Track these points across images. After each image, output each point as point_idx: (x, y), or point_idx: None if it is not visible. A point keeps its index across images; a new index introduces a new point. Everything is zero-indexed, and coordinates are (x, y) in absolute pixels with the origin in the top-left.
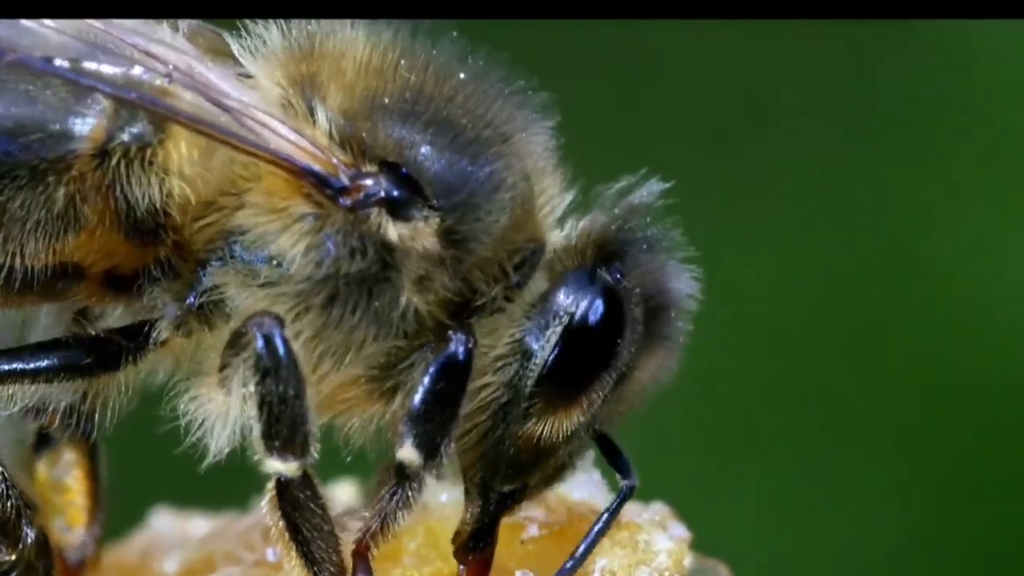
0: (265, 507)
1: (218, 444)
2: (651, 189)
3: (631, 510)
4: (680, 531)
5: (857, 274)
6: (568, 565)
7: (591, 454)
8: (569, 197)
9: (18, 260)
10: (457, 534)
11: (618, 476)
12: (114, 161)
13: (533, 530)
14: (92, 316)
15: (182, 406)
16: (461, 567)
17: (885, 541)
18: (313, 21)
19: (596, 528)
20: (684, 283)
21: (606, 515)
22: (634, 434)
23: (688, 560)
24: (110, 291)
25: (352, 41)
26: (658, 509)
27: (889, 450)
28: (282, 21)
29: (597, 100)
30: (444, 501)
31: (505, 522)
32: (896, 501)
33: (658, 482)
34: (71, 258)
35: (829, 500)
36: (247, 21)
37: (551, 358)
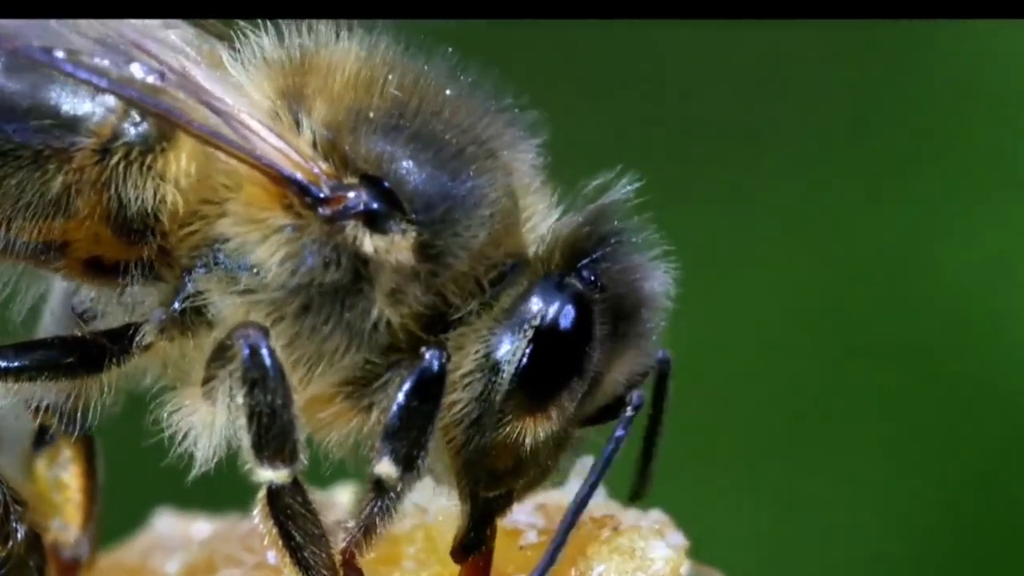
0: (257, 514)
1: (204, 455)
2: (624, 187)
3: (629, 517)
4: (678, 539)
5: (856, 276)
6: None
7: (588, 458)
8: (556, 214)
9: (2, 230)
10: (455, 537)
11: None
12: (114, 160)
13: (532, 536)
14: (90, 318)
15: (165, 417)
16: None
17: (884, 550)
18: (304, 33)
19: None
20: (657, 281)
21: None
22: (631, 442)
23: (685, 568)
24: (90, 273)
25: (342, 54)
26: (656, 517)
27: (889, 457)
28: (273, 33)
29: (596, 100)
30: (443, 505)
31: (504, 528)
32: (896, 509)
33: (656, 490)
34: (56, 239)
35: (828, 509)
36: (239, 31)
37: (519, 369)
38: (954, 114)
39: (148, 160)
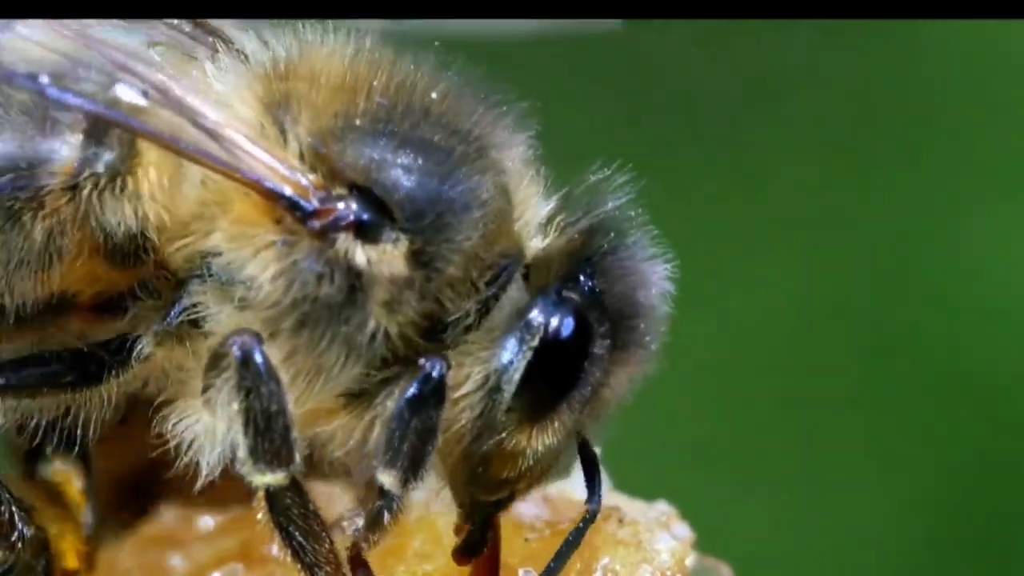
0: (261, 515)
1: (210, 463)
2: (620, 186)
3: (635, 509)
4: (683, 531)
5: (862, 275)
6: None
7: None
8: (551, 205)
9: (7, 299)
10: (457, 540)
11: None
12: (85, 192)
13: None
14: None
15: (169, 428)
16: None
17: (888, 541)
18: (289, 37)
19: (564, 548)
20: (656, 287)
21: (571, 538)
22: (639, 434)
23: (691, 560)
24: (101, 317)
25: (327, 58)
26: (662, 508)
27: (892, 452)
28: (257, 38)
29: (598, 100)
30: (447, 497)
31: (509, 521)
32: (899, 502)
33: (662, 482)
34: (58, 288)
35: (832, 501)
36: (222, 38)
37: (518, 386)
38: (952, 111)
39: (118, 183)
